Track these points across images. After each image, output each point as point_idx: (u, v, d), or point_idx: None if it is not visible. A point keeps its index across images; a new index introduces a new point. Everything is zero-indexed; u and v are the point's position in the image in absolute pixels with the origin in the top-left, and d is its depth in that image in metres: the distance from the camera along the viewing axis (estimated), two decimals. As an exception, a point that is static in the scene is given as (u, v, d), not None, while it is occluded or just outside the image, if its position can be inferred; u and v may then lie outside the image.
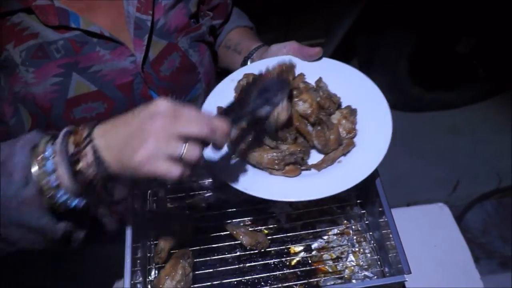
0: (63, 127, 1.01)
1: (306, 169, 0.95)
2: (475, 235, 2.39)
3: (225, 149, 0.95)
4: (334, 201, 1.09)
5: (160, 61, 1.08)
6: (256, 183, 0.91)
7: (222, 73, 1.29)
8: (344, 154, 0.95)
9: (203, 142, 0.72)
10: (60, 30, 0.97)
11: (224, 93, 1.04)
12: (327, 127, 0.94)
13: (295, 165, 0.93)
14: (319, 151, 0.97)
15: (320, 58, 1.08)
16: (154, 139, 0.68)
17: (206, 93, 1.21)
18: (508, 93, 2.91)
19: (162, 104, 0.70)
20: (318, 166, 0.95)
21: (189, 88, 1.16)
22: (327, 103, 0.98)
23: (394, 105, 2.89)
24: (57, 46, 0.97)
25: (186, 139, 0.69)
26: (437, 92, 2.91)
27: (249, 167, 0.94)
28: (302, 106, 0.96)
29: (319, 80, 1.03)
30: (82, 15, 0.98)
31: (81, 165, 0.71)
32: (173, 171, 0.69)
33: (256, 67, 1.05)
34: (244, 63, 1.16)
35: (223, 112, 0.82)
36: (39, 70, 0.96)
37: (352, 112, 0.99)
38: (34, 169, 0.71)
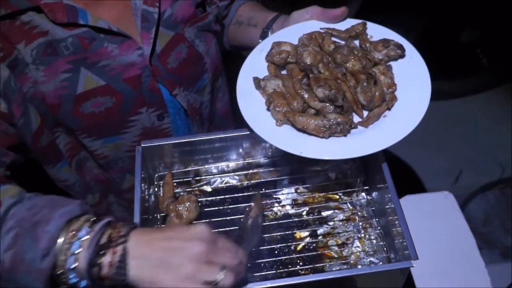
0: (71, 124, 1.03)
1: (354, 128, 0.95)
2: (477, 225, 2.40)
3: (268, 115, 0.96)
4: (341, 187, 1.09)
5: (167, 53, 1.08)
6: (307, 145, 0.92)
7: (230, 55, 1.28)
8: (389, 109, 0.96)
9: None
10: (69, 27, 0.97)
11: (255, 65, 1.04)
12: (374, 83, 0.95)
13: (340, 133, 0.93)
14: (363, 107, 0.97)
15: (345, 19, 1.07)
16: (194, 262, 0.69)
17: (212, 83, 1.21)
18: (511, 84, 2.90)
19: (204, 231, 0.72)
20: (365, 123, 0.95)
21: (196, 79, 1.16)
22: (364, 62, 0.98)
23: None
24: (66, 43, 0.97)
25: (222, 267, 0.70)
26: (440, 82, 2.89)
27: (295, 130, 0.94)
28: (351, 63, 0.97)
29: (349, 40, 1.03)
30: (89, 10, 0.98)
31: (103, 259, 0.70)
32: None
33: (282, 35, 1.05)
34: (263, 35, 1.13)
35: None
36: (49, 67, 0.96)
37: (388, 68, 0.99)
38: (60, 241, 0.70)
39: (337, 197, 1.09)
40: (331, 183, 1.10)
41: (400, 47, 1.00)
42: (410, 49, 1.02)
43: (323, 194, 1.08)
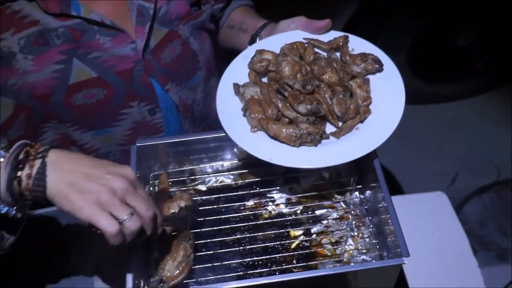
0: (63, 115, 1.03)
1: (325, 138, 0.97)
2: (473, 227, 2.40)
3: (244, 120, 0.99)
4: (334, 186, 1.10)
5: (161, 48, 1.09)
6: (278, 152, 0.94)
7: (225, 54, 1.29)
8: (362, 121, 0.98)
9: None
10: (61, 18, 0.97)
11: (238, 70, 1.06)
12: (350, 96, 0.96)
13: (311, 143, 0.94)
14: (338, 119, 0.98)
15: (329, 31, 1.10)
16: (111, 193, 0.71)
17: (205, 81, 1.22)
18: (507, 87, 2.91)
19: (130, 172, 0.75)
20: (337, 134, 0.97)
21: (189, 76, 1.17)
22: (341, 74, 0.99)
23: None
24: (57, 33, 0.97)
25: (133, 210, 0.72)
26: (436, 85, 2.91)
27: (268, 137, 0.97)
28: (328, 75, 0.98)
29: (331, 52, 1.05)
30: (83, 2, 0.98)
31: (22, 173, 0.71)
32: (111, 228, 0.70)
33: (267, 43, 1.08)
34: (252, 41, 1.17)
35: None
36: (39, 57, 0.96)
37: (365, 81, 1.01)
38: None
39: (331, 196, 1.09)
40: (325, 182, 1.10)
41: (378, 61, 1.02)
42: (388, 64, 1.04)
43: (317, 193, 1.09)
